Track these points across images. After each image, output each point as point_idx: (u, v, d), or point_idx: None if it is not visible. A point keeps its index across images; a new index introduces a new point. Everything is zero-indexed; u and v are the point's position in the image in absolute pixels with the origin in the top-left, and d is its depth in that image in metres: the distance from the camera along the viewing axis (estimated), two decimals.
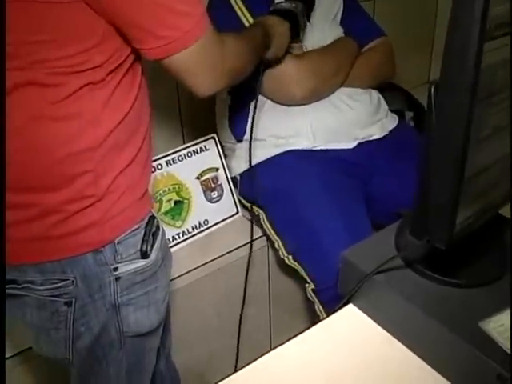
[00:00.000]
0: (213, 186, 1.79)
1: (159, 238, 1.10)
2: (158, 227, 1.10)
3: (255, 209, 1.73)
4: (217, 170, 1.80)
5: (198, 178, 1.77)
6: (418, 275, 0.88)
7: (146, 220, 1.07)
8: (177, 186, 1.73)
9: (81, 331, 1.06)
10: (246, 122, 1.69)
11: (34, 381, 1.53)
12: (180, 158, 1.73)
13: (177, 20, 0.92)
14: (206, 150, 1.78)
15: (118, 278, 1.04)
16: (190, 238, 1.74)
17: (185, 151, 1.74)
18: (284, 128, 1.66)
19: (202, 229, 1.77)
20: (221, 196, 1.81)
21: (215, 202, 1.80)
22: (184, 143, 1.80)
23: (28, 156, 0.92)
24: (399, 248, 0.92)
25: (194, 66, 0.99)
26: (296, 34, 1.51)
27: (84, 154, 0.94)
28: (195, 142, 1.77)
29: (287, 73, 1.58)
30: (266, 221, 1.68)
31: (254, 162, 1.67)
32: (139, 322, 1.10)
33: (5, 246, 0.90)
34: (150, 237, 1.06)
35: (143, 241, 1.05)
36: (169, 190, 1.71)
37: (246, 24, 1.59)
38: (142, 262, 1.05)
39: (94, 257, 1.00)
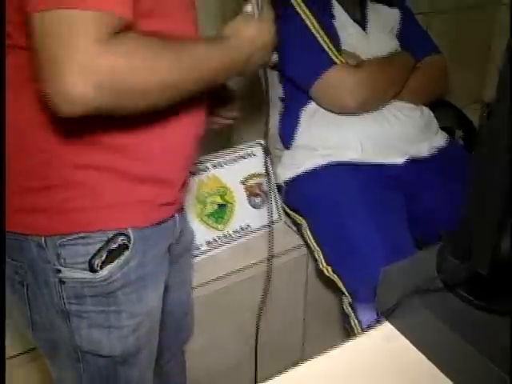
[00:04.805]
0: (257, 191, 1.80)
1: (122, 259, 1.02)
2: (125, 247, 1.02)
3: (298, 217, 1.73)
4: (262, 176, 1.81)
5: (243, 182, 1.78)
6: (457, 299, 0.87)
7: (108, 234, 1.00)
8: (221, 190, 1.74)
9: (35, 319, 1.06)
10: (296, 129, 1.71)
11: (42, 379, 1.54)
12: (226, 162, 1.75)
13: None
14: (253, 155, 1.80)
15: (62, 282, 1.00)
16: (230, 241, 1.75)
17: (232, 155, 1.76)
18: (333, 138, 1.67)
19: (243, 233, 1.78)
20: (264, 202, 1.82)
21: (258, 207, 1.81)
22: (232, 147, 1.81)
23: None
24: (440, 269, 0.91)
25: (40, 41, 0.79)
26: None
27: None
28: (242, 146, 1.78)
29: (342, 81, 1.59)
30: (307, 230, 1.68)
31: (300, 171, 1.70)
32: (94, 340, 1.06)
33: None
34: (105, 253, 1.00)
35: (95, 253, 0.99)
36: (213, 192, 1.73)
37: (310, 26, 1.61)
38: (88, 275, 1.00)
39: (38, 251, 0.98)
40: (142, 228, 1.04)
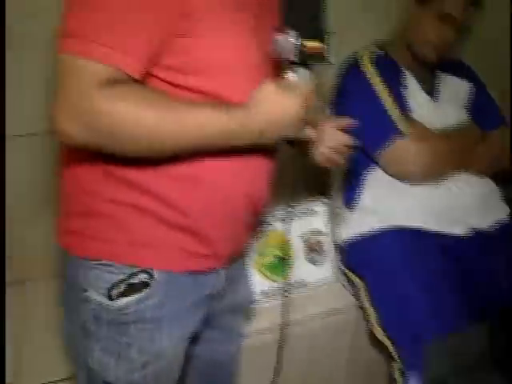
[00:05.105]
0: (316, 248, 1.83)
1: (139, 295, 1.05)
2: (145, 285, 1.05)
3: (354, 278, 1.76)
4: (322, 233, 1.84)
5: (302, 237, 1.82)
6: (505, 378, 0.87)
7: (131, 269, 1.04)
8: (281, 243, 1.78)
9: (68, 332, 1.14)
10: (360, 192, 1.75)
11: None
12: (288, 217, 1.78)
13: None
14: (314, 212, 1.84)
15: (86, 300, 1.05)
16: (284, 294, 1.77)
17: (294, 211, 1.80)
18: (396, 204, 1.70)
19: (297, 287, 1.80)
20: (322, 259, 1.84)
21: (315, 263, 1.83)
22: (293, 202, 1.85)
23: None
24: (491, 347, 0.92)
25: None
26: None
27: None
28: (304, 202, 1.82)
29: (408, 151, 1.63)
30: (363, 292, 1.70)
31: (361, 232, 1.73)
32: (103, 364, 1.09)
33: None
34: (125, 285, 1.03)
35: (115, 283, 1.03)
36: (273, 245, 1.77)
37: (379, 92, 1.66)
38: (105, 300, 1.04)
39: (74, 268, 1.05)
40: (167, 271, 1.07)
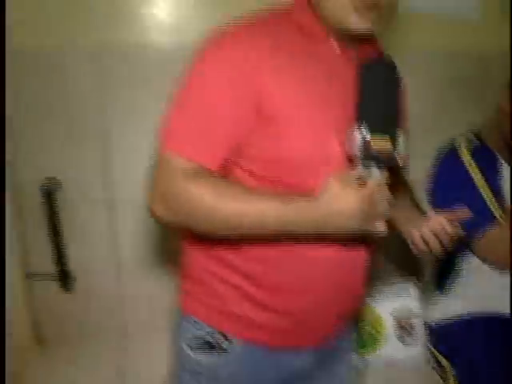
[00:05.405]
0: (406, 327, 1.87)
1: (215, 355, 1.18)
2: (221, 348, 1.18)
3: (443, 360, 1.78)
4: (413, 313, 1.88)
5: (394, 315, 1.87)
6: None
7: (212, 329, 1.18)
8: (373, 319, 1.84)
9: None
10: (453, 276, 1.79)
11: None
12: (380, 294, 1.85)
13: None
14: (407, 291, 1.89)
15: (178, 347, 1.23)
16: (372, 370, 1.82)
17: (386, 289, 1.86)
18: (488, 291, 1.72)
19: (383, 364, 1.86)
20: (412, 338, 1.88)
21: (404, 342, 1.88)
22: (387, 280, 1.92)
23: None
24: None
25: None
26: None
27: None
28: (397, 281, 1.88)
29: (502, 238, 1.63)
30: (450, 375, 1.73)
31: (452, 315, 1.77)
32: None
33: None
34: (201, 341, 1.19)
35: (197, 337, 1.19)
36: (365, 321, 1.84)
37: (475, 180, 1.69)
38: (188, 350, 1.21)
39: (177, 320, 1.25)
40: (244, 342, 1.18)
